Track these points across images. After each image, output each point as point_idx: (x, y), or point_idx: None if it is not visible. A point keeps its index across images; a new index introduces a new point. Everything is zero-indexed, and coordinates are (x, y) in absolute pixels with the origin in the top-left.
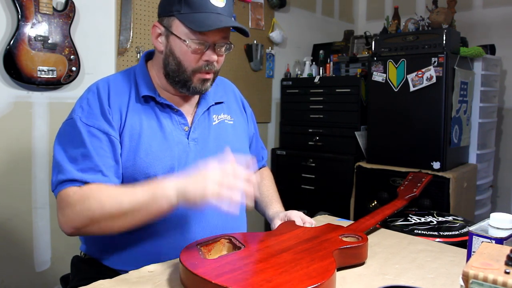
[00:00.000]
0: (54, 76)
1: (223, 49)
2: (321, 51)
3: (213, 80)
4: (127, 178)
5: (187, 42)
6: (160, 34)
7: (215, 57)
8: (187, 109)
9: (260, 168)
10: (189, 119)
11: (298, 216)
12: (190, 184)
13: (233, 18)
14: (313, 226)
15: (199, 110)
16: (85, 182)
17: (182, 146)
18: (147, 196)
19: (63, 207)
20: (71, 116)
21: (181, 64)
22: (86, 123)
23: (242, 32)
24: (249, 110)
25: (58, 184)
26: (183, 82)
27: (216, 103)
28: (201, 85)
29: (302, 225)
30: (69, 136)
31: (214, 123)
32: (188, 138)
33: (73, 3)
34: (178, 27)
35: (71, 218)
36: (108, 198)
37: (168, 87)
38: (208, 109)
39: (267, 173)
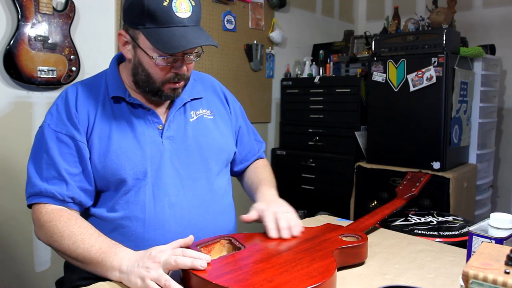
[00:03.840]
0: (54, 76)
1: (192, 57)
2: (321, 51)
3: (185, 85)
4: (100, 180)
5: (155, 59)
6: (126, 42)
7: (184, 68)
8: (161, 108)
9: (255, 160)
10: (163, 117)
11: (271, 215)
12: (132, 273)
13: (200, 26)
14: (292, 230)
15: (174, 107)
16: (52, 196)
17: (155, 145)
18: (96, 258)
19: (34, 222)
20: (42, 123)
21: (150, 76)
22: (55, 129)
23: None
24: (233, 102)
25: (29, 196)
26: (154, 92)
27: (193, 99)
28: (172, 93)
29: (268, 229)
30: (37, 144)
31: (191, 119)
32: (162, 137)
33: (73, 3)
34: (144, 41)
35: (38, 235)
36: (68, 237)
37: (139, 90)
38: (184, 105)
39: (261, 162)
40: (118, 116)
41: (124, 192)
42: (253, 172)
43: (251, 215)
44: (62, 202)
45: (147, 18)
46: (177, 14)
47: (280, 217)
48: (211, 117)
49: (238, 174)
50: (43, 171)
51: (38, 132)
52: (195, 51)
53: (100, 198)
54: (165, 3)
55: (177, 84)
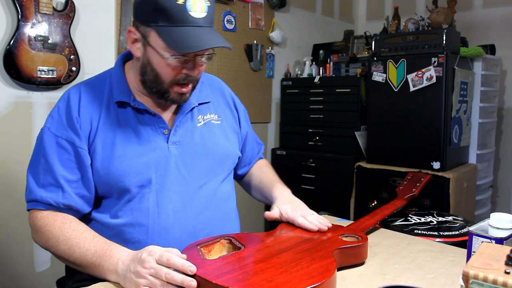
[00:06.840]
0: (54, 76)
1: (204, 59)
2: (321, 51)
3: (194, 87)
4: (103, 186)
5: (166, 58)
6: (136, 40)
7: (196, 70)
8: (167, 112)
9: (257, 161)
10: (170, 122)
11: (301, 218)
12: (126, 278)
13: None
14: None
15: (181, 112)
16: (48, 204)
17: (160, 151)
18: (93, 262)
19: (31, 227)
20: (42, 127)
21: (159, 76)
22: (55, 133)
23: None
24: (242, 107)
25: (27, 201)
26: (161, 93)
27: (201, 104)
28: (179, 97)
29: (305, 225)
30: (36, 149)
31: (199, 124)
32: (167, 142)
33: (73, 3)
34: (156, 40)
35: (35, 239)
36: (63, 242)
37: (145, 91)
38: (192, 110)
39: (263, 162)
40: (123, 121)
41: (128, 199)
42: (259, 171)
43: (274, 213)
44: (58, 209)
45: (160, 16)
46: (191, 13)
47: (311, 220)
48: (219, 122)
49: (240, 177)
50: (40, 177)
51: (38, 136)
52: (207, 53)
53: (103, 203)
54: (180, 1)
55: (184, 89)
